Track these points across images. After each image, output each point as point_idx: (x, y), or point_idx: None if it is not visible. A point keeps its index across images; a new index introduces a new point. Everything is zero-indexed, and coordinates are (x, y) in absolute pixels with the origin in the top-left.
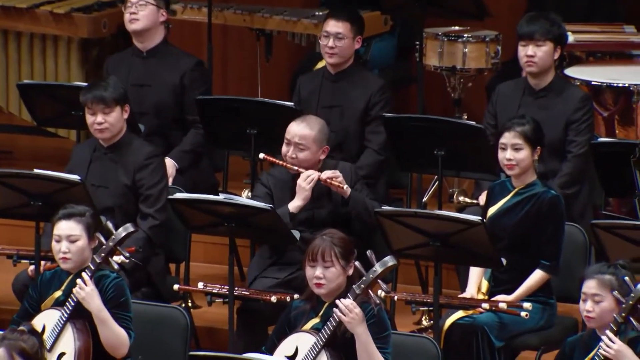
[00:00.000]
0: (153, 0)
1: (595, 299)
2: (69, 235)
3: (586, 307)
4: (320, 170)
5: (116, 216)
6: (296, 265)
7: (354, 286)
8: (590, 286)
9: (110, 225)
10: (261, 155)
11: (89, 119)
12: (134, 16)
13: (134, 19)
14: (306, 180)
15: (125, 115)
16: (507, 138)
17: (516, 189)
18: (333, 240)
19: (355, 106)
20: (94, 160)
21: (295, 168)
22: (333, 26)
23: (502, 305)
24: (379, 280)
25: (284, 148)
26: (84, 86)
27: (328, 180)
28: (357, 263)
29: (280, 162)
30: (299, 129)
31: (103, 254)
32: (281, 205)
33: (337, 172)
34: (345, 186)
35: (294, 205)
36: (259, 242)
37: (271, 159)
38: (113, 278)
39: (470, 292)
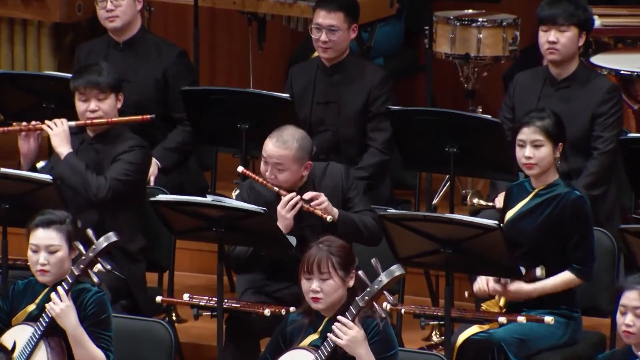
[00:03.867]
0: None
1: (637, 312)
2: (48, 245)
3: (626, 320)
4: (302, 189)
5: (99, 212)
6: (289, 282)
7: (357, 298)
8: (631, 298)
9: (91, 233)
10: (240, 169)
11: (81, 106)
12: (112, 14)
13: (112, 17)
14: (286, 208)
15: (119, 105)
16: (526, 134)
17: (536, 190)
18: (330, 249)
19: (353, 102)
20: (80, 152)
21: (276, 189)
22: (325, 18)
23: (521, 319)
24: (384, 292)
25: (262, 166)
26: (55, 76)
27: (310, 209)
28: (360, 272)
29: (260, 180)
30: (276, 149)
31: (82, 266)
32: None
33: (321, 197)
34: (329, 217)
35: None
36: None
37: (250, 174)
38: (94, 292)
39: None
